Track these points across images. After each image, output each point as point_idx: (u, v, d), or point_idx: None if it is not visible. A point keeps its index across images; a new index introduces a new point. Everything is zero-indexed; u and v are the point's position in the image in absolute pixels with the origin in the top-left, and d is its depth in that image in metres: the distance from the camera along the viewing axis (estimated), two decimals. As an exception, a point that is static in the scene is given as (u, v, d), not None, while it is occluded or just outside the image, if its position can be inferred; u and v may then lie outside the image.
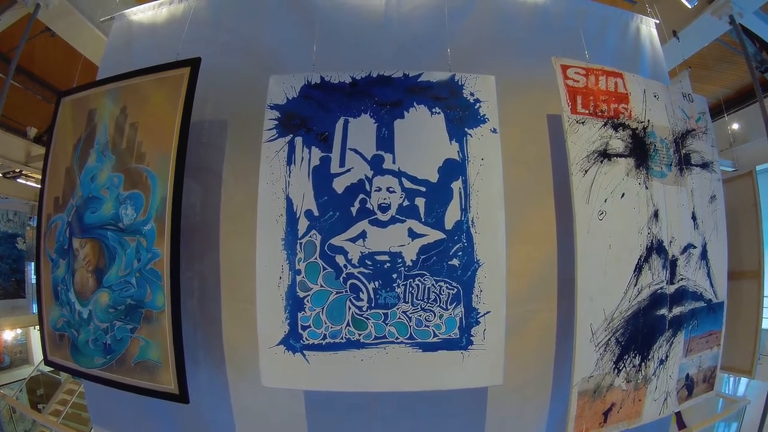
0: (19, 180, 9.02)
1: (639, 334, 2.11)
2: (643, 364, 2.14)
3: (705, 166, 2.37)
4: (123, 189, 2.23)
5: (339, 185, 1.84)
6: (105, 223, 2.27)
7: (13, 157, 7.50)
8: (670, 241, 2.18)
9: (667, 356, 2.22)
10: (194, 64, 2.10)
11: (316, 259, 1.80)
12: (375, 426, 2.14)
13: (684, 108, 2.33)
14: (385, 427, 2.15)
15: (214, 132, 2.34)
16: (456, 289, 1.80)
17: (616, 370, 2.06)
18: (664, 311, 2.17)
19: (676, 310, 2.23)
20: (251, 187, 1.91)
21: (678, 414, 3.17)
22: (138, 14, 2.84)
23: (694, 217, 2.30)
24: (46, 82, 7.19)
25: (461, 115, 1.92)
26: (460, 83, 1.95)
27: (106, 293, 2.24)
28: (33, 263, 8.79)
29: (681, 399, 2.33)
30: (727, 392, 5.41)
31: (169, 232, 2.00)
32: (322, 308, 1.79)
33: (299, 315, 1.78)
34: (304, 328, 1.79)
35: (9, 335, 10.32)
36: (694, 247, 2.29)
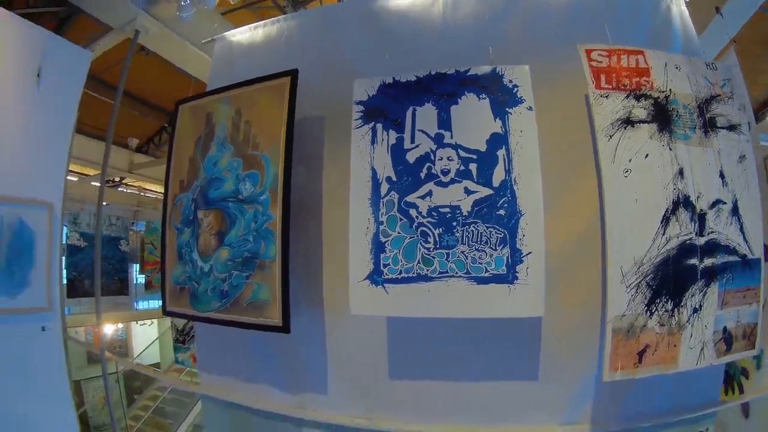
0: (119, 189, 10.44)
1: (670, 281, 2.07)
2: (675, 309, 2.11)
3: (732, 128, 2.35)
4: (242, 170, 2.60)
5: (411, 157, 2.36)
6: (227, 197, 2.61)
7: (118, 167, 8.46)
8: (698, 197, 2.17)
9: (700, 305, 2.14)
10: (293, 74, 2.65)
11: (394, 212, 2.31)
12: (444, 352, 2.53)
13: (708, 76, 2.39)
14: (455, 354, 2.52)
15: (315, 126, 2.90)
16: (503, 234, 2.20)
17: (648, 312, 2.06)
18: (694, 261, 2.13)
19: (708, 261, 2.19)
20: (345, 167, 2.44)
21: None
22: (237, 36, 3.40)
23: (722, 175, 2.27)
24: (141, 98, 8.06)
25: (503, 99, 2.35)
26: (500, 73, 2.38)
27: (227, 250, 2.55)
28: (137, 264, 9.11)
29: (719, 352, 2.23)
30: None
31: (281, 199, 2.50)
32: (399, 250, 2.28)
33: (381, 256, 2.29)
34: (384, 266, 2.28)
35: (110, 330, 10.65)
36: (724, 203, 2.25)
